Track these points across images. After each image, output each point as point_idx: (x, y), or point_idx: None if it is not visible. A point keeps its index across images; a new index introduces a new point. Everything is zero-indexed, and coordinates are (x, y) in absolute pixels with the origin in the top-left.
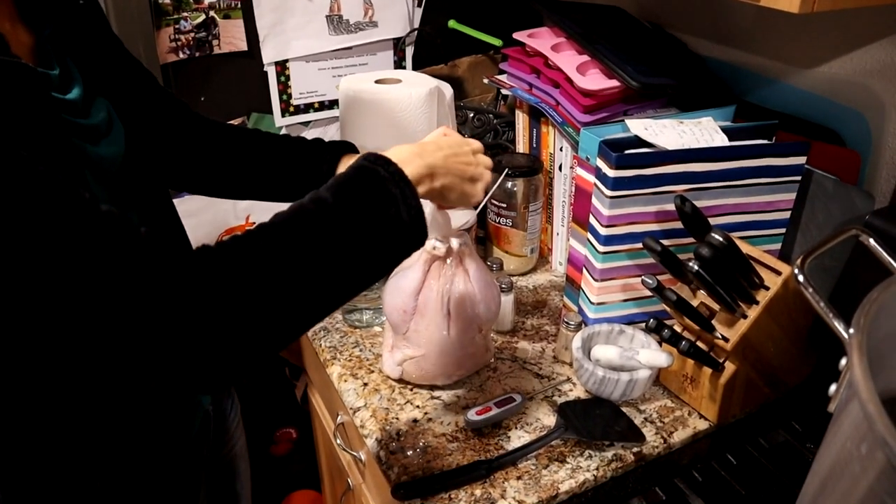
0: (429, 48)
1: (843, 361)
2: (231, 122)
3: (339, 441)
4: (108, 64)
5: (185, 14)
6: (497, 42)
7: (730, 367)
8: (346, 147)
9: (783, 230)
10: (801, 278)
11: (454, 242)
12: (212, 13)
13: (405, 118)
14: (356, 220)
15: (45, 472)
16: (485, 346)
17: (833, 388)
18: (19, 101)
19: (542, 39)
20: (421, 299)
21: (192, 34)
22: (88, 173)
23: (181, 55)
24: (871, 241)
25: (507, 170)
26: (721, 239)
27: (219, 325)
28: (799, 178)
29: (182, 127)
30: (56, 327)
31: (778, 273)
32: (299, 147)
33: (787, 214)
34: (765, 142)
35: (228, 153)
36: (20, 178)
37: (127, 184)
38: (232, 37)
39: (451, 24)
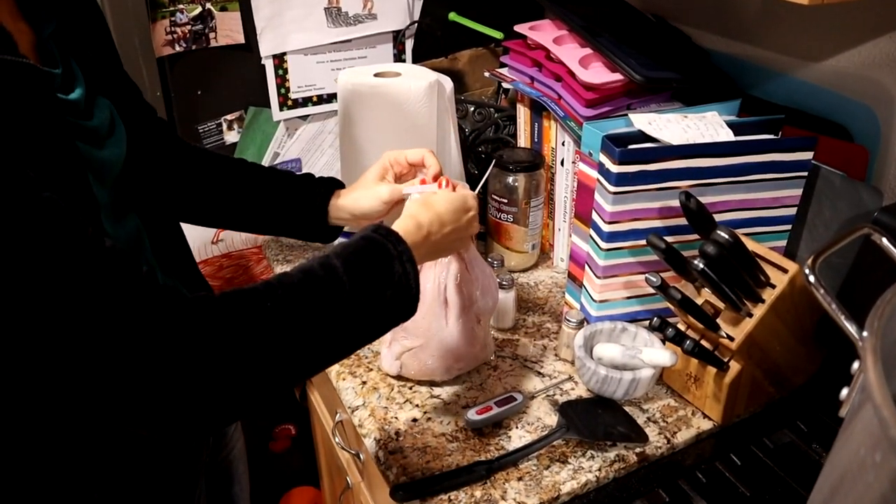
0: (429, 41)
1: (856, 365)
2: (228, 116)
3: (337, 439)
4: (108, 64)
5: (181, 6)
6: (498, 35)
7: (735, 367)
8: (336, 183)
9: (789, 227)
10: (811, 279)
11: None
12: (208, 5)
13: (405, 112)
14: (360, 293)
15: (41, 478)
16: (484, 341)
17: (845, 391)
18: (25, 102)
19: (543, 32)
20: None
21: (189, 27)
22: (91, 176)
23: (177, 48)
24: (884, 240)
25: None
26: (727, 236)
27: (207, 379)
28: (805, 173)
29: (166, 147)
30: (45, 359)
31: (784, 271)
32: (290, 181)
33: (793, 211)
34: (771, 137)
35: (214, 181)
36: (23, 205)
37: (127, 186)
38: (229, 29)
39: (452, 16)
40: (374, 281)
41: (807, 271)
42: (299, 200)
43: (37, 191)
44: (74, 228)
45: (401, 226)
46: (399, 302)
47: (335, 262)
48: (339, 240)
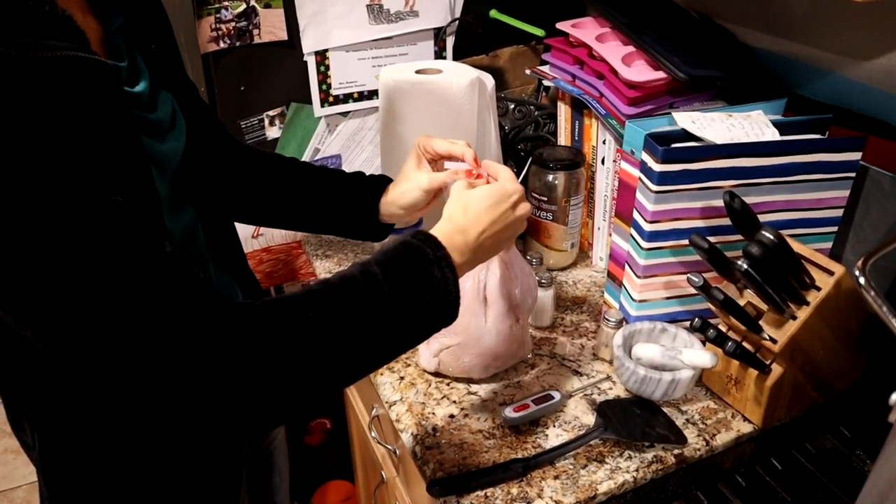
0: (470, 38)
1: None
2: (270, 111)
3: (373, 434)
4: (170, 59)
5: (226, 3)
6: (539, 32)
7: (777, 370)
8: (387, 180)
9: (835, 228)
10: (862, 280)
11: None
12: (252, 2)
13: (446, 109)
14: (400, 299)
15: (91, 469)
16: (522, 339)
17: (894, 397)
18: (96, 98)
19: (585, 29)
20: None
21: (233, 23)
22: (153, 169)
23: (222, 44)
24: None
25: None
26: (772, 237)
27: (249, 386)
28: (853, 174)
29: (220, 145)
30: (96, 358)
31: (830, 273)
32: (342, 180)
33: (839, 212)
34: (818, 136)
35: (266, 180)
36: (91, 209)
37: (185, 179)
38: (272, 26)
39: (493, 13)
40: (414, 286)
41: (857, 273)
42: (351, 199)
43: (105, 194)
44: (138, 233)
45: (439, 230)
46: (439, 307)
47: (374, 268)
48: (390, 237)
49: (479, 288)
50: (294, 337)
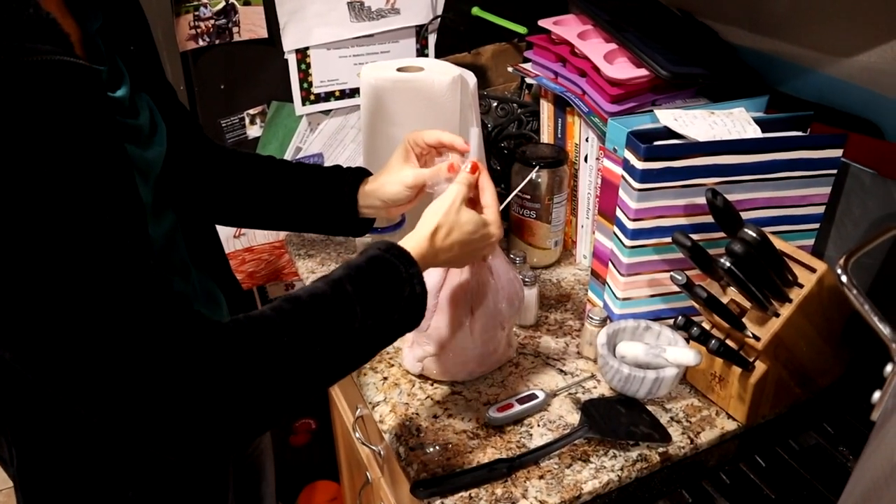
0: (452, 36)
1: (889, 368)
2: (251, 110)
3: (357, 434)
4: (149, 61)
5: (204, 1)
6: (522, 29)
7: (760, 367)
8: (364, 172)
9: (817, 225)
10: (844, 279)
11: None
12: (232, 0)
13: (428, 107)
14: (371, 319)
15: (73, 484)
16: (507, 343)
17: (877, 395)
18: (81, 104)
19: (568, 27)
20: (442, 296)
21: (212, 21)
22: (137, 176)
23: (201, 42)
24: None
25: (537, 167)
26: (754, 235)
27: (221, 407)
28: (835, 171)
29: (197, 148)
30: (70, 377)
31: (812, 270)
32: (317, 174)
33: (821, 209)
34: (799, 133)
35: (242, 182)
36: (76, 225)
37: (165, 184)
38: (252, 24)
39: (475, 11)
40: (386, 306)
41: (839, 271)
42: (328, 192)
43: (90, 208)
44: (121, 251)
45: (416, 242)
46: (407, 321)
47: (347, 287)
48: (366, 238)
49: (466, 299)
50: (266, 360)
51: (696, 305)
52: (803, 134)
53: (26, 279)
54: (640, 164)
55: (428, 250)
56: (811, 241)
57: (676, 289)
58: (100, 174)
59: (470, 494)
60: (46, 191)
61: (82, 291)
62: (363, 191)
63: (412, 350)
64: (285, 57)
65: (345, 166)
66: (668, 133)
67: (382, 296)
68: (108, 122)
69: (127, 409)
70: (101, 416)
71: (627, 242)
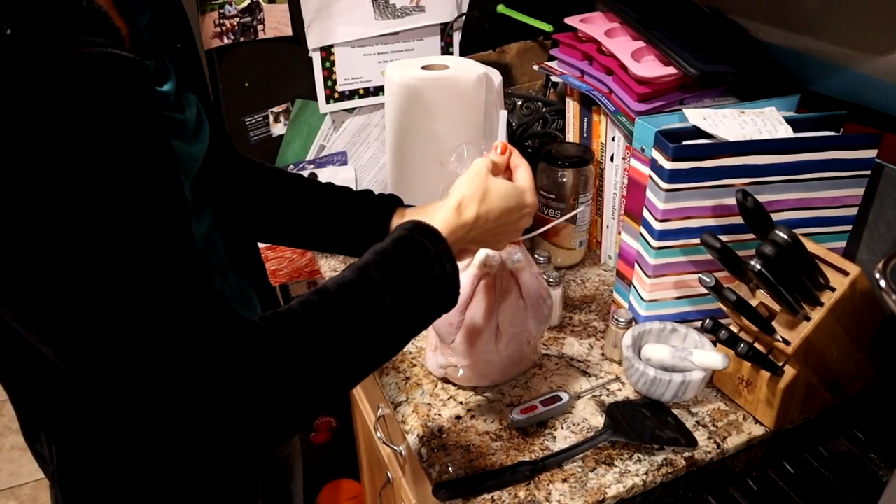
0: (477, 34)
1: None
2: (275, 108)
3: (379, 434)
4: (192, 60)
5: None
6: (548, 27)
7: (790, 372)
8: (398, 201)
9: (849, 227)
10: (883, 283)
11: (507, 256)
12: None
13: (453, 105)
14: (402, 304)
15: (112, 482)
16: (533, 352)
17: None
18: (131, 96)
19: (594, 24)
20: (469, 314)
21: (237, 19)
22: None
23: (226, 40)
24: None
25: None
26: (786, 237)
27: (256, 407)
28: (868, 172)
29: (227, 158)
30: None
31: (845, 273)
32: (350, 200)
33: (854, 211)
34: (832, 133)
35: (270, 197)
36: (125, 220)
37: (205, 183)
38: (277, 22)
39: (500, 8)
40: (416, 289)
41: (878, 275)
42: (361, 218)
43: (139, 202)
44: (168, 248)
45: (443, 218)
46: (440, 303)
47: (375, 273)
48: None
49: (493, 318)
50: (300, 356)
51: (724, 308)
52: (836, 134)
53: (71, 273)
54: (668, 164)
55: (457, 224)
56: (843, 244)
57: (703, 291)
58: (147, 167)
59: (493, 497)
60: (94, 180)
61: (126, 287)
62: (397, 222)
63: (435, 355)
64: (310, 55)
65: (373, 169)
66: (697, 132)
67: (412, 278)
68: (155, 115)
69: (164, 408)
70: (139, 415)
71: (654, 243)
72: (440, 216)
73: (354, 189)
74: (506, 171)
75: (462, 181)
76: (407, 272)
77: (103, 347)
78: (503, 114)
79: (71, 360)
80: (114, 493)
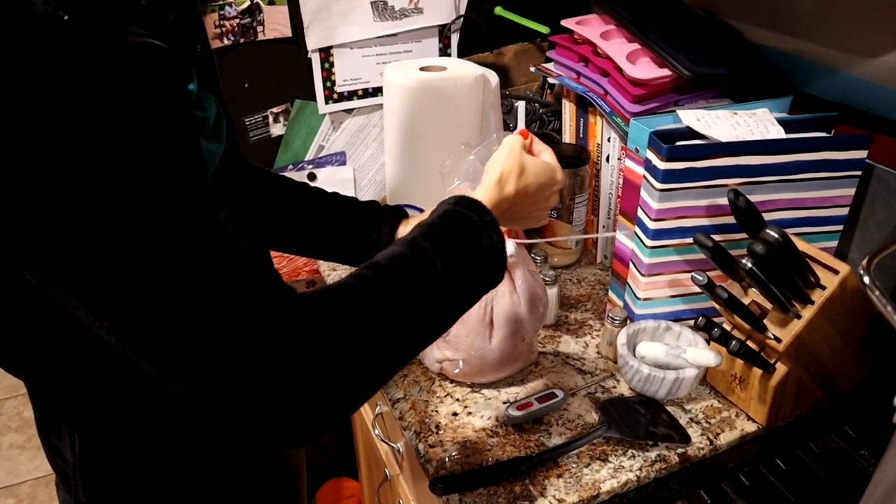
0: (475, 35)
1: None
2: (275, 108)
3: (377, 431)
4: (208, 61)
5: (229, 0)
6: (544, 29)
7: (781, 369)
8: (403, 213)
9: (840, 227)
10: (866, 280)
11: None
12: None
13: (450, 106)
14: (453, 274)
15: (134, 473)
16: (528, 349)
17: None
18: (168, 87)
19: (590, 27)
20: None
21: (237, 20)
22: None
23: (226, 41)
24: None
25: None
26: (777, 236)
27: (318, 381)
28: (859, 172)
29: (233, 161)
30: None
31: (835, 272)
32: (354, 209)
33: (845, 211)
34: (823, 134)
35: (275, 205)
36: (176, 195)
37: (219, 182)
38: (276, 23)
39: (498, 10)
40: (466, 258)
41: (861, 272)
42: (365, 228)
43: (184, 181)
44: (216, 224)
45: (485, 192)
46: (490, 273)
47: (424, 244)
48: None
49: (486, 311)
50: (358, 328)
51: (717, 306)
52: (827, 135)
53: (127, 243)
54: (662, 165)
55: (499, 198)
56: (835, 243)
57: (697, 289)
58: (182, 154)
59: (488, 492)
60: (136, 155)
61: (182, 262)
62: (402, 231)
63: (431, 351)
64: (309, 56)
65: (372, 169)
66: (691, 133)
67: (461, 247)
68: (186, 107)
69: (222, 381)
70: (198, 389)
71: (648, 242)
72: (481, 191)
73: (355, 192)
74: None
75: (498, 158)
76: (455, 243)
77: (162, 317)
78: (521, 104)
79: (128, 333)
80: (136, 484)
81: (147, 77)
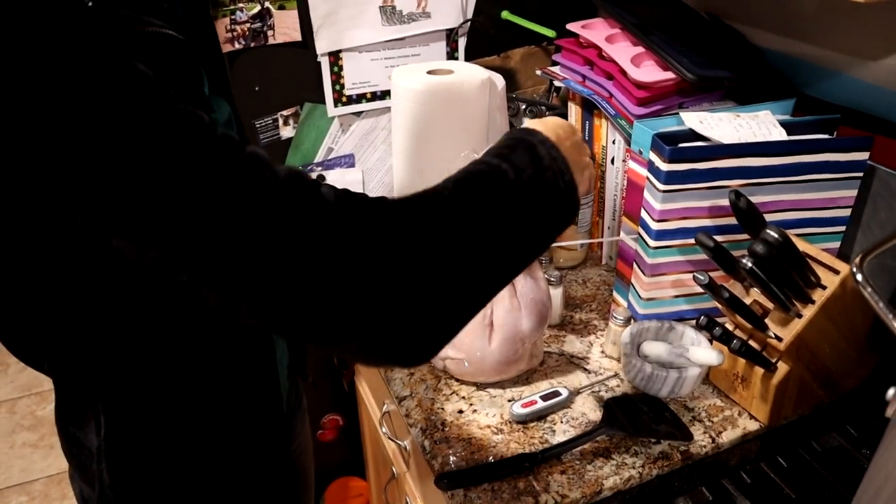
0: (482, 39)
1: None
2: (284, 111)
3: (384, 429)
4: (219, 66)
5: (240, 5)
6: (550, 33)
7: (782, 368)
8: None
9: (843, 228)
10: (859, 277)
11: None
12: (267, 4)
13: (457, 109)
14: (524, 172)
15: (157, 456)
16: (530, 354)
17: (891, 392)
18: (186, 80)
19: (596, 30)
20: None
21: (248, 24)
22: None
23: (237, 45)
24: None
25: None
26: (776, 236)
27: (421, 291)
28: (861, 174)
29: None
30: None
31: (836, 272)
32: None
33: (847, 212)
34: (825, 136)
35: None
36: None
37: None
38: (286, 27)
39: (505, 14)
40: (530, 161)
41: (854, 269)
42: None
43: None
44: (260, 155)
45: (539, 126)
46: (559, 180)
47: (485, 158)
48: None
49: (486, 314)
50: (447, 235)
51: (719, 306)
52: (829, 137)
53: (175, 174)
54: (664, 166)
55: (555, 134)
56: (837, 244)
57: (700, 289)
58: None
59: (493, 487)
60: (154, 129)
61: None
62: None
63: None
64: (318, 59)
65: (379, 172)
66: (694, 135)
67: (523, 154)
68: (201, 98)
69: (320, 308)
70: (264, 313)
71: (652, 243)
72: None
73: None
74: None
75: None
76: (517, 151)
77: (215, 227)
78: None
79: (180, 254)
80: (160, 467)
81: (157, 62)
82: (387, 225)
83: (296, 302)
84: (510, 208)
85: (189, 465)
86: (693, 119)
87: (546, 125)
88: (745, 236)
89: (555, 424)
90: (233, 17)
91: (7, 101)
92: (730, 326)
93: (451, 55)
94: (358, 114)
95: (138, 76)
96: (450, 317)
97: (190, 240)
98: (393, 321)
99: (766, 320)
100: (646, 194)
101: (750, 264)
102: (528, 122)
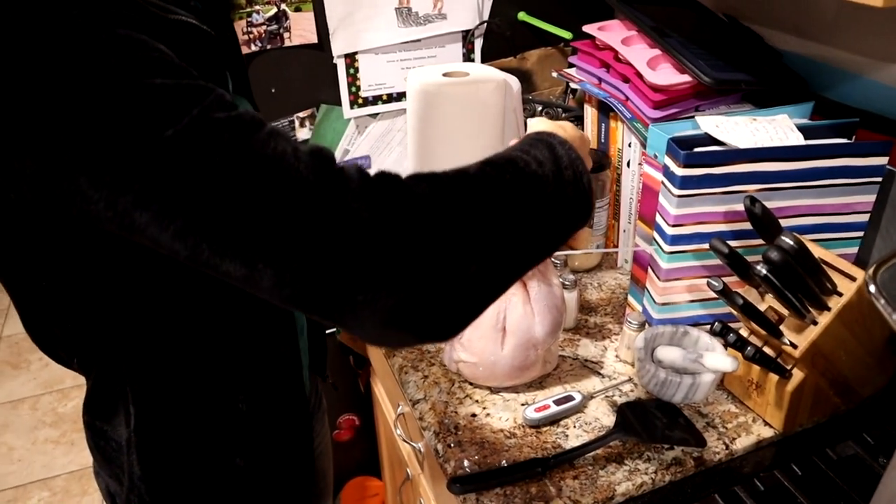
0: (498, 41)
1: None
2: (301, 113)
3: (399, 431)
4: (240, 68)
5: (257, 7)
6: (567, 35)
7: (797, 375)
8: None
9: (861, 234)
10: (872, 288)
11: None
12: (283, 6)
13: (473, 111)
14: (542, 164)
15: (188, 447)
16: (544, 360)
17: None
18: (209, 70)
19: (612, 32)
20: None
21: (264, 27)
22: None
23: (253, 48)
24: None
25: None
26: (791, 242)
27: (447, 256)
28: (880, 179)
29: None
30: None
31: (853, 279)
32: None
33: (865, 217)
34: (844, 141)
35: None
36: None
37: None
38: (302, 29)
39: (521, 16)
40: (549, 157)
41: (867, 280)
42: None
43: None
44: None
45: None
46: (578, 175)
47: (506, 151)
48: None
49: (498, 318)
50: (469, 210)
51: (734, 312)
52: (847, 141)
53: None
54: (679, 171)
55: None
56: (855, 250)
57: (715, 295)
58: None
59: (505, 491)
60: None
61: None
62: None
63: (448, 352)
64: (334, 61)
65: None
66: (709, 139)
67: (543, 150)
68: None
69: (339, 268)
70: (283, 281)
71: (666, 248)
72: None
73: None
74: None
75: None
76: (538, 147)
77: (237, 195)
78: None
79: (203, 225)
80: (190, 458)
81: (183, 48)
82: (410, 187)
83: (321, 265)
84: (532, 190)
85: (216, 458)
86: (709, 123)
87: (565, 130)
88: (761, 242)
89: (568, 429)
90: (249, 19)
91: (29, 81)
92: (744, 333)
93: (468, 57)
94: (374, 115)
95: (159, 53)
96: (474, 287)
97: (213, 204)
98: (416, 284)
99: (781, 327)
100: (661, 199)
101: (764, 271)
102: (539, 125)
